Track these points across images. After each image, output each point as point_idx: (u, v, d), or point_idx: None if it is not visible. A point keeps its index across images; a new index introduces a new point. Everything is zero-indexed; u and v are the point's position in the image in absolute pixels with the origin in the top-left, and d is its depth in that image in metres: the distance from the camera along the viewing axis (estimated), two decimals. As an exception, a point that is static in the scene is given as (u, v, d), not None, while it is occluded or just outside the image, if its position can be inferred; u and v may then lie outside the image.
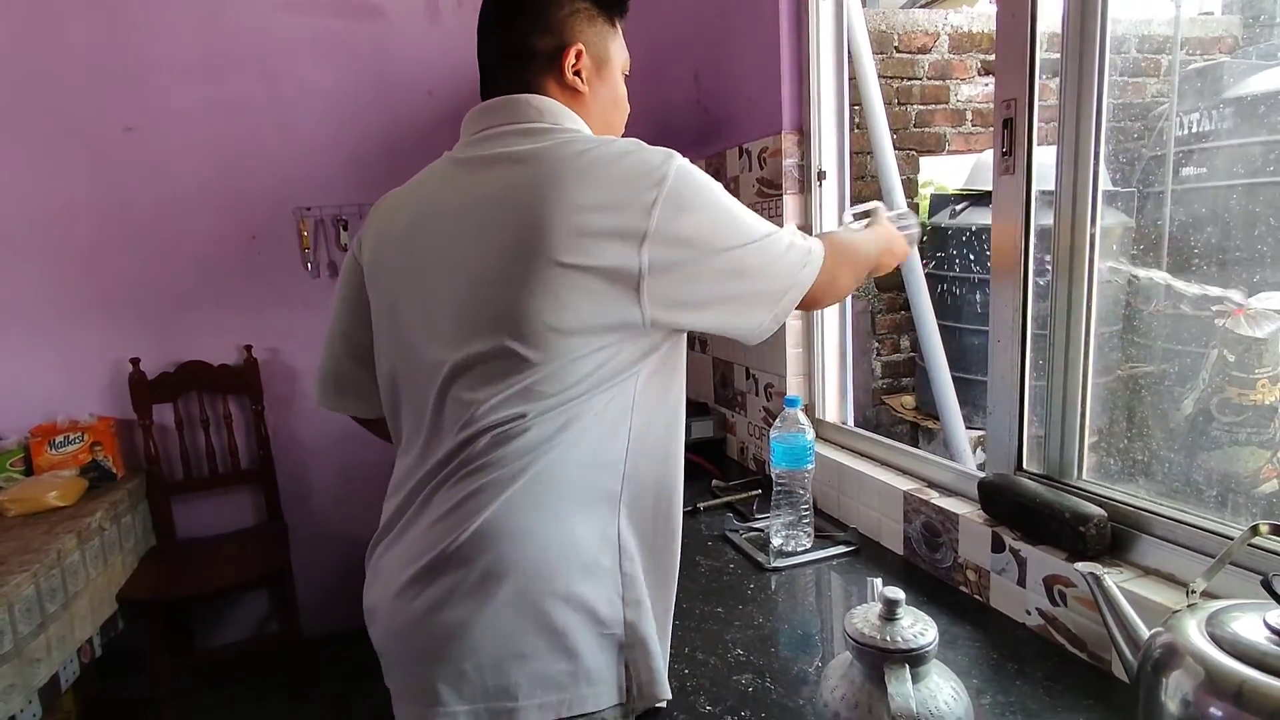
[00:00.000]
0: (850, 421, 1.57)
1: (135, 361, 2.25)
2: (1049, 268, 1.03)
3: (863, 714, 0.70)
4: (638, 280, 0.70)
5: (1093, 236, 0.98)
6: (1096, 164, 0.96)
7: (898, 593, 0.74)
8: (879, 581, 0.81)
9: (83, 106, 2.18)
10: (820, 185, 1.50)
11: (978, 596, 1.09)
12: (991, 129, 1.10)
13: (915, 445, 2.91)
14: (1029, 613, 1.00)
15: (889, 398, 3.04)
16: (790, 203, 1.52)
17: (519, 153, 0.76)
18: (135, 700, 2.16)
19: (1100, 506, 0.95)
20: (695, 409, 1.90)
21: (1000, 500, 1.05)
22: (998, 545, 1.04)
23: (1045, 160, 1.04)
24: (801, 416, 1.28)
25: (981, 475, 1.13)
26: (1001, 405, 1.11)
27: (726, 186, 1.77)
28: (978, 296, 2.63)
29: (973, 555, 1.09)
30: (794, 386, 1.57)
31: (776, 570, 1.23)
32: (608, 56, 0.88)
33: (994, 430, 1.13)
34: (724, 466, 1.77)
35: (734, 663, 0.97)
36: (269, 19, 2.28)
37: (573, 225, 0.68)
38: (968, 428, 2.55)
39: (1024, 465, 1.09)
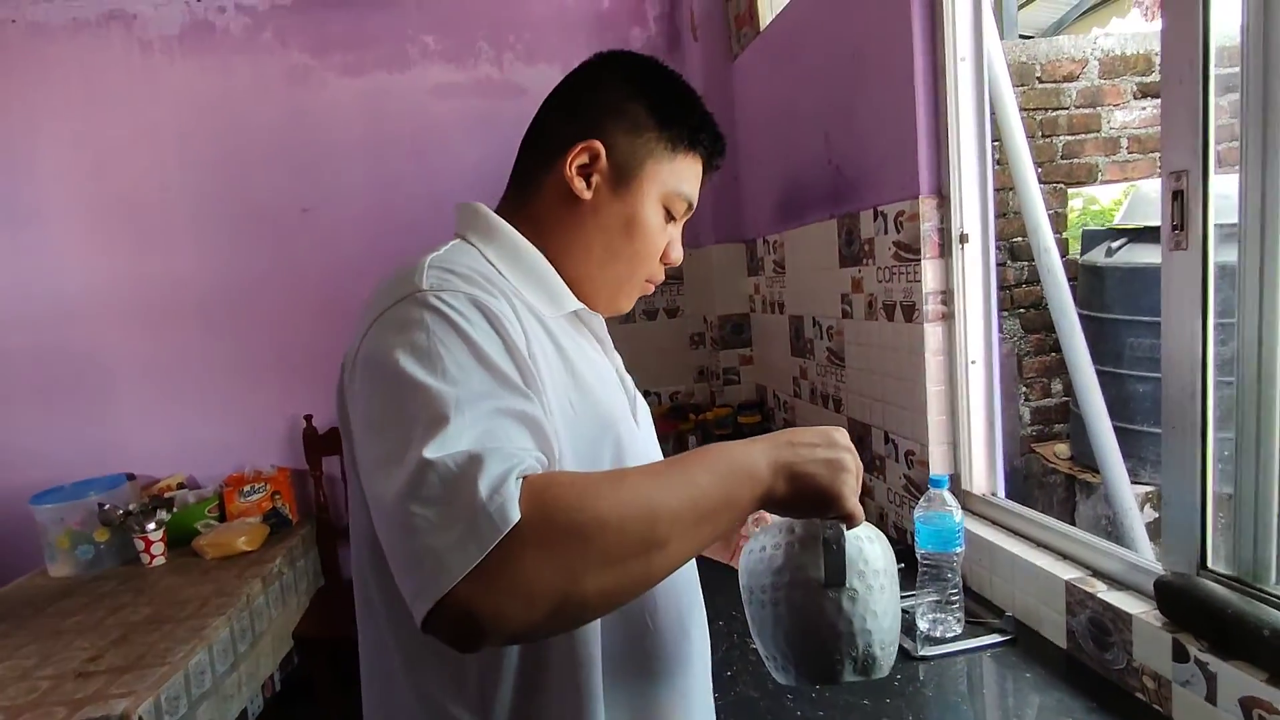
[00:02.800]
0: (1001, 493, 1.49)
1: (309, 418, 2.49)
2: (1233, 325, 0.93)
3: (793, 573, 0.65)
4: None
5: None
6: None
7: None
8: None
9: (267, 190, 2.46)
10: (963, 248, 1.45)
11: (1158, 708, 1.00)
12: (1153, 155, 1.03)
13: (1072, 497, 2.71)
14: (1221, 734, 0.91)
15: (1039, 446, 2.85)
16: (929, 268, 1.48)
17: None
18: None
19: (1305, 622, 0.86)
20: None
21: (1182, 604, 0.97)
22: (1180, 654, 0.96)
23: (1223, 193, 0.95)
24: (949, 497, 1.24)
25: (1158, 572, 1.04)
26: (1180, 492, 1.02)
27: (860, 249, 1.77)
28: (1139, 340, 2.42)
29: (1150, 661, 1.00)
30: (937, 456, 1.51)
31: (925, 659, 1.19)
32: (640, 173, 0.76)
33: (1172, 522, 1.04)
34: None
35: (885, 768, 0.95)
36: (423, 103, 2.49)
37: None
38: (1134, 482, 2.34)
39: (1208, 563, 1.00)
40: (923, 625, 1.26)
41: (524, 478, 0.52)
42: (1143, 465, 2.46)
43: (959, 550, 1.23)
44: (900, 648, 1.24)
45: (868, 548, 0.66)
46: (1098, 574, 1.16)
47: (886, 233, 1.60)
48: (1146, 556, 1.52)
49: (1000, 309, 2.84)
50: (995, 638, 1.22)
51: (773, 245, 2.29)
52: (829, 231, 1.86)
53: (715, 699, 1.12)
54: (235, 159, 2.44)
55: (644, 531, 0.53)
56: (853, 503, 0.62)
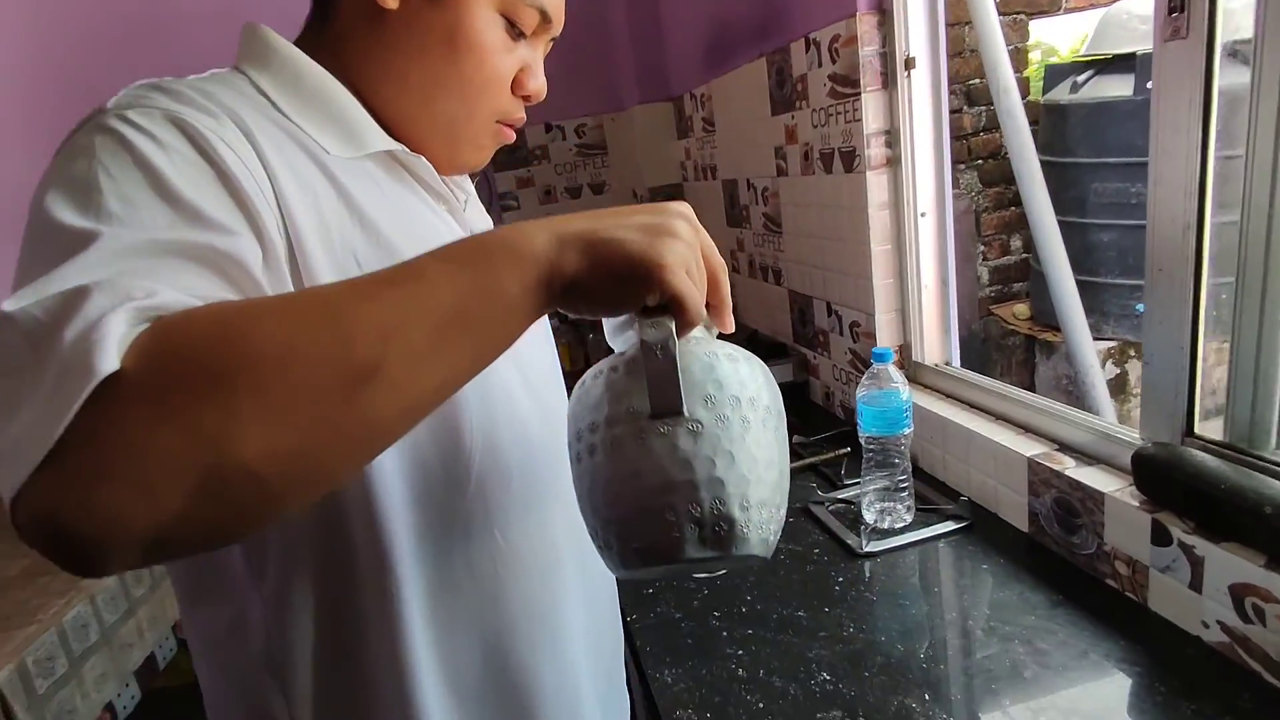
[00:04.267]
0: (956, 362, 1.32)
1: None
2: (1241, 156, 0.74)
3: (612, 405, 0.45)
4: None
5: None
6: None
7: None
8: None
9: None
10: (909, 77, 1.21)
11: (1131, 595, 0.86)
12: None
13: (1032, 359, 2.60)
14: (1206, 625, 0.78)
15: (998, 307, 2.71)
16: (871, 104, 1.24)
17: None
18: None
19: (1315, 493, 0.70)
20: (772, 350, 1.69)
21: (1165, 479, 0.81)
22: (1161, 537, 0.81)
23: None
24: (894, 372, 1.06)
25: (1135, 443, 0.88)
26: (1165, 348, 0.85)
27: (792, 91, 1.51)
28: (1105, 185, 2.23)
29: (1124, 544, 0.86)
30: (884, 325, 1.33)
31: (871, 556, 1.04)
32: None
33: (1154, 382, 0.87)
34: (807, 416, 1.56)
35: (819, 693, 0.80)
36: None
37: None
38: (1096, 339, 2.22)
39: (1195, 429, 0.84)
40: (869, 517, 1.11)
41: (157, 319, 0.35)
42: (1105, 320, 2.33)
43: (907, 432, 1.07)
44: (842, 544, 1.14)
45: (724, 366, 0.45)
46: (1065, 448, 1.00)
47: (821, 65, 1.34)
48: (1109, 419, 1.39)
49: (956, 161, 2.62)
50: (949, 525, 1.08)
51: (700, 100, 2.00)
52: (759, 74, 1.59)
53: (631, 620, 0.97)
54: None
55: (332, 356, 0.35)
56: (680, 280, 0.41)
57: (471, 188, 0.74)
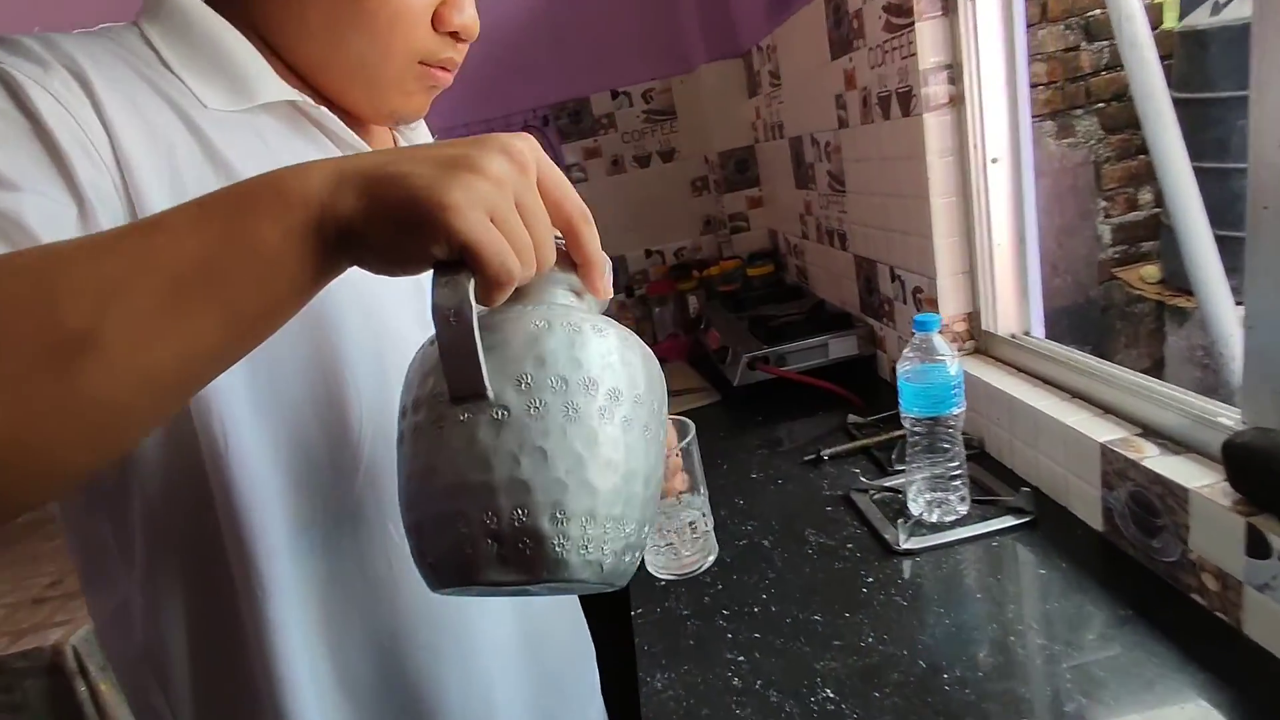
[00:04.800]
0: (1038, 330, 1.14)
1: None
2: None
3: (418, 387, 0.38)
4: None
5: None
6: None
7: None
8: None
9: None
10: (972, 0, 1.04)
11: (1221, 615, 0.70)
12: None
13: (1161, 328, 2.27)
14: (1317, 661, 0.61)
15: (1123, 270, 2.39)
16: (927, 33, 1.07)
17: None
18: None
19: None
20: (837, 321, 1.54)
21: (1264, 473, 0.64)
22: (1259, 546, 0.64)
23: None
24: (940, 343, 0.92)
25: (1231, 427, 0.71)
26: (1273, 307, 0.67)
27: (849, 30, 1.35)
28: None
29: (1212, 553, 0.70)
30: (948, 291, 1.17)
31: (910, 554, 0.91)
32: None
33: (1258, 351, 0.69)
34: (875, 394, 1.42)
35: (816, 712, 0.70)
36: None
37: None
38: (1238, 303, 1.90)
39: (1313, 411, 0.66)
40: (915, 508, 0.98)
41: None
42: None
43: (956, 411, 0.92)
44: (879, 539, 1.01)
45: (557, 338, 0.36)
46: (1151, 432, 0.83)
47: (873, -5, 1.18)
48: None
49: (1072, 106, 2.32)
50: (1009, 520, 0.93)
51: (767, 52, 1.86)
52: (817, 16, 1.44)
53: (637, 615, 0.90)
54: None
55: (37, 324, 0.31)
56: (469, 224, 0.33)
57: (424, 137, 0.69)
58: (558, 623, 0.68)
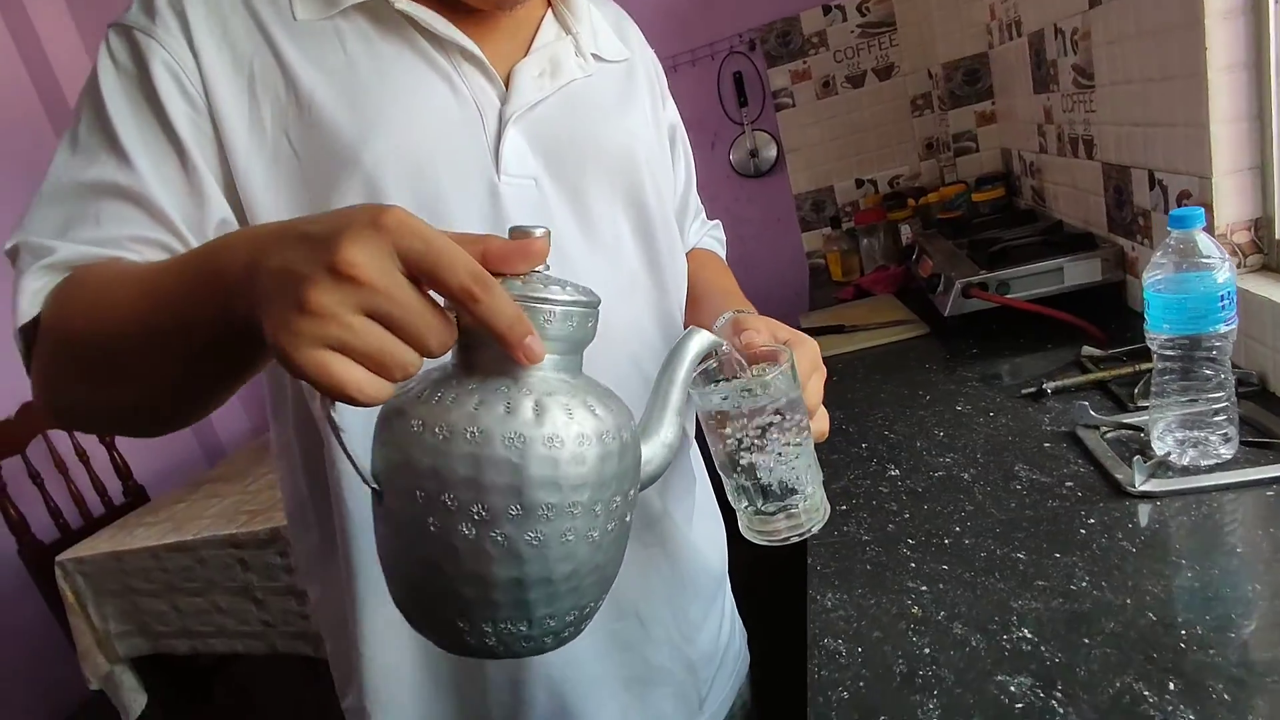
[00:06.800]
0: (1357, 239, 0.89)
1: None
2: None
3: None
4: None
5: None
6: None
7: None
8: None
9: None
10: None
11: None
12: None
13: None
14: None
15: None
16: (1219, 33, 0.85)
17: None
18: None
19: None
20: (1077, 242, 1.33)
21: None
22: None
23: None
24: (1206, 242, 0.74)
25: None
26: None
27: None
28: None
29: None
30: (1227, 192, 0.94)
31: (1147, 497, 0.76)
32: None
33: None
34: (1118, 325, 1.20)
35: (1008, 651, 0.61)
36: None
37: None
38: None
39: None
40: (1160, 448, 0.82)
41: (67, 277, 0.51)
42: None
43: (1224, 329, 0.75)
44: (1109, 478, 0.83)
45: (429, 439, 0.36)
46: None
47: None
48: None
49: None
50: (1286, 468, 0.74)
51: (1005, -62, 1.61)
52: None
53: (825, 535, 0.84)
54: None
55: (101, 353, 0.47)
56: (301, 359, 0.32)
57: (584, 19, 0.67)
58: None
